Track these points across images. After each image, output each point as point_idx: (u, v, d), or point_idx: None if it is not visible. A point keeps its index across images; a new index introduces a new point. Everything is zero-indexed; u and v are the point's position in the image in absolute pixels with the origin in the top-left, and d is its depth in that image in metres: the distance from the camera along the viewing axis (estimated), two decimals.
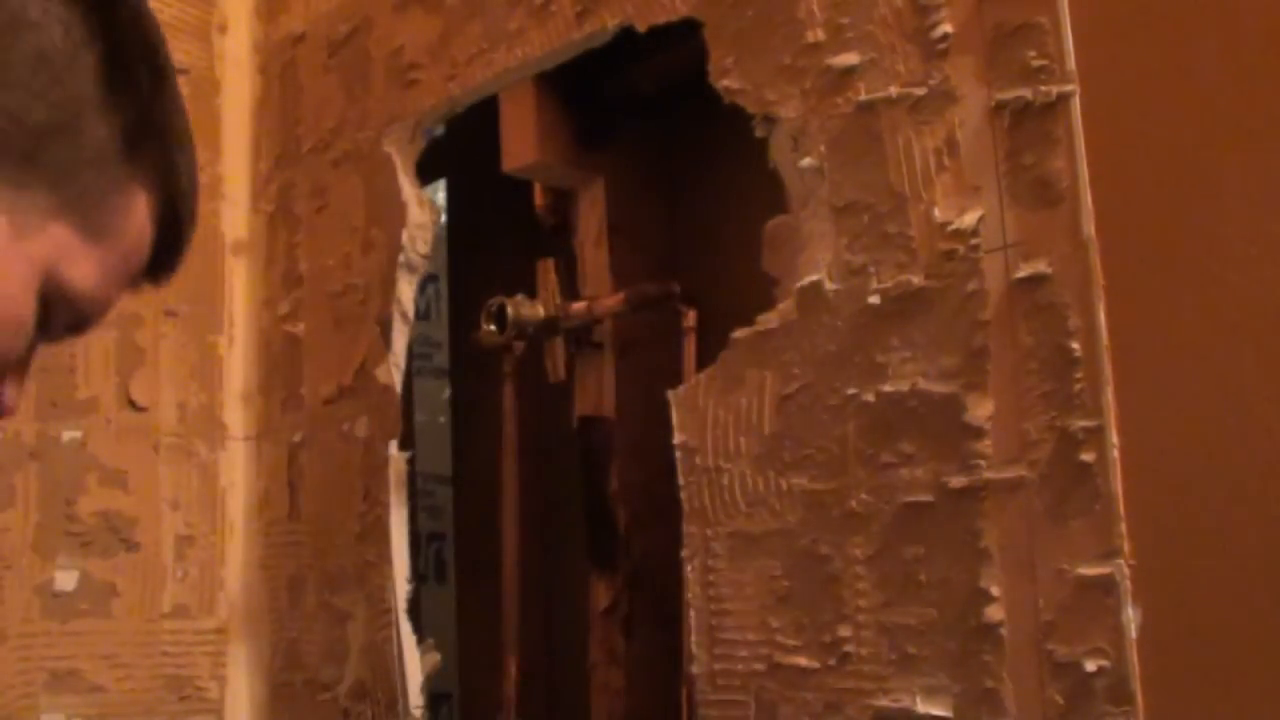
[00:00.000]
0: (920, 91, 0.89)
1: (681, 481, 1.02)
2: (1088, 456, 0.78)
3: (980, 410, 0.84)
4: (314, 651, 1.38)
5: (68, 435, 1.39)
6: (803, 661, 0.92)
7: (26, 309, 0.57)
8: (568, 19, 1.17)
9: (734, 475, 0.98)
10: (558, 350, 1.38)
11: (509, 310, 1.35)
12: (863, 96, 0.93)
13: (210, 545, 1.47)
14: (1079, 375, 0.79)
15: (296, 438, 1.45)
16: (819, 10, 0.96)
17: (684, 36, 1.06)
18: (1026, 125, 0.83)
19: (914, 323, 0.88)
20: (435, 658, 1.29)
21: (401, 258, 1.32)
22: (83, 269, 0.59)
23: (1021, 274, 0.83)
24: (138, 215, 0.63)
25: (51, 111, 0.57)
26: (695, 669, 1.00)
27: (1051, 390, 0.80)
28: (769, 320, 0.97)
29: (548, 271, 1.37)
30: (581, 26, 1.15)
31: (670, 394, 1.04)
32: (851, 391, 0.91)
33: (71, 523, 1.37)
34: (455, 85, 1.29)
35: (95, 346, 1.42)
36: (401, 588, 1.28)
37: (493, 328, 1.37)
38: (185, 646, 1.43)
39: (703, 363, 1.15)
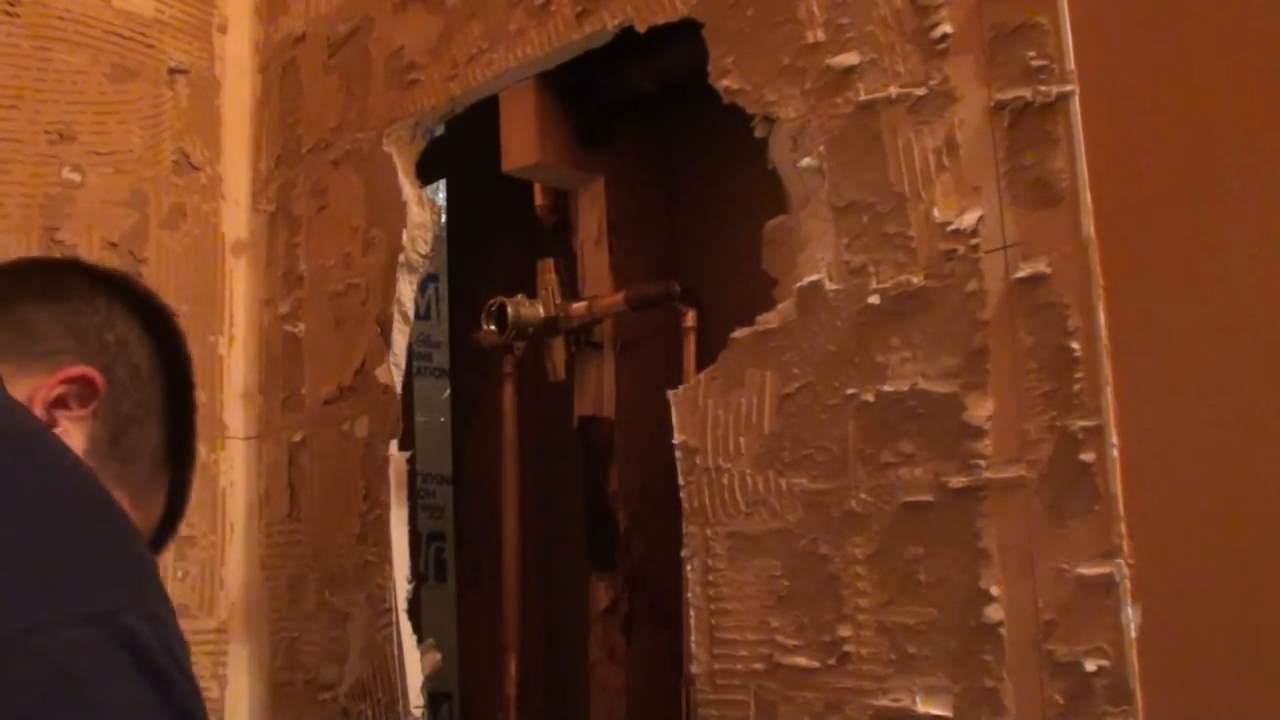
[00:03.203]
0: (920, 91, 0.89)
1: (681, 481, 1.02)
2: (1088, 456, 0.78)
3: (980, 410, 0.84)
4: (314, 651, 1.38)
5: None
6: (803, 661, 0.92)
7: None
8: (568, 19, 1.17)
9: (734, 475, 0.99)
10: (558, 350, 1.38)
11: (509, 310, 1.35)
12: (863, 96, 0.93)
13: (210, 545, 1.47)
14: (1079, 375, 0.79)
15: (296, 438, 1.45)
16: (819, 10, 0.96)
17: (684, 36, 1.06)
18: (1026, 125, 0.83)
19: (914, 323, 0.88)
20: (435, 658, 1.29)
21: (402, 258, 1.32)
22: None
23: (1021, 274, 0.83)
24: (159, 505, 0.85)
25: (135, 409, 0.80)
26: (695, 669, 1.00)
27: (1051, 390, 0.80)
28: (769, 320, 0.97)
29: (548, 271, 1.37)
30: (581, 26, 1.15)
31: (670, 394, 1.04)
32: (851, 391, 0.91)
33: None
34: (455, 85, 1.29)
35: None
36: (401, 588, 1.28)
37: (493, 328, 1.37)
38: None
39: (703, 363, 1.15)
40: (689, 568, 1.01)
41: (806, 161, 0.96)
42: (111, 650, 0.53)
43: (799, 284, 0.95)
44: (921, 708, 0.85)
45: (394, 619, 1.27)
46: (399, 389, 1.31)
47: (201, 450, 1.48)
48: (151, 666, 0.54)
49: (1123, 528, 0.77)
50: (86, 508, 0.61)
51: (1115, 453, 0.77)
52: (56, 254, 1.40)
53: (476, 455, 1.69)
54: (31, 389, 0.75)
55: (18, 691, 0.49)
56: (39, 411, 0.75)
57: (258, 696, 1.46)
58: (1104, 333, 0.79)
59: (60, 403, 0.76)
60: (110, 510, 0.63)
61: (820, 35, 0.96)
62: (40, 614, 0.51)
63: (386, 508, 1.29)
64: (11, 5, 1.41)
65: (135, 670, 0.53)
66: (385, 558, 1.28)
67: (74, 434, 0.76)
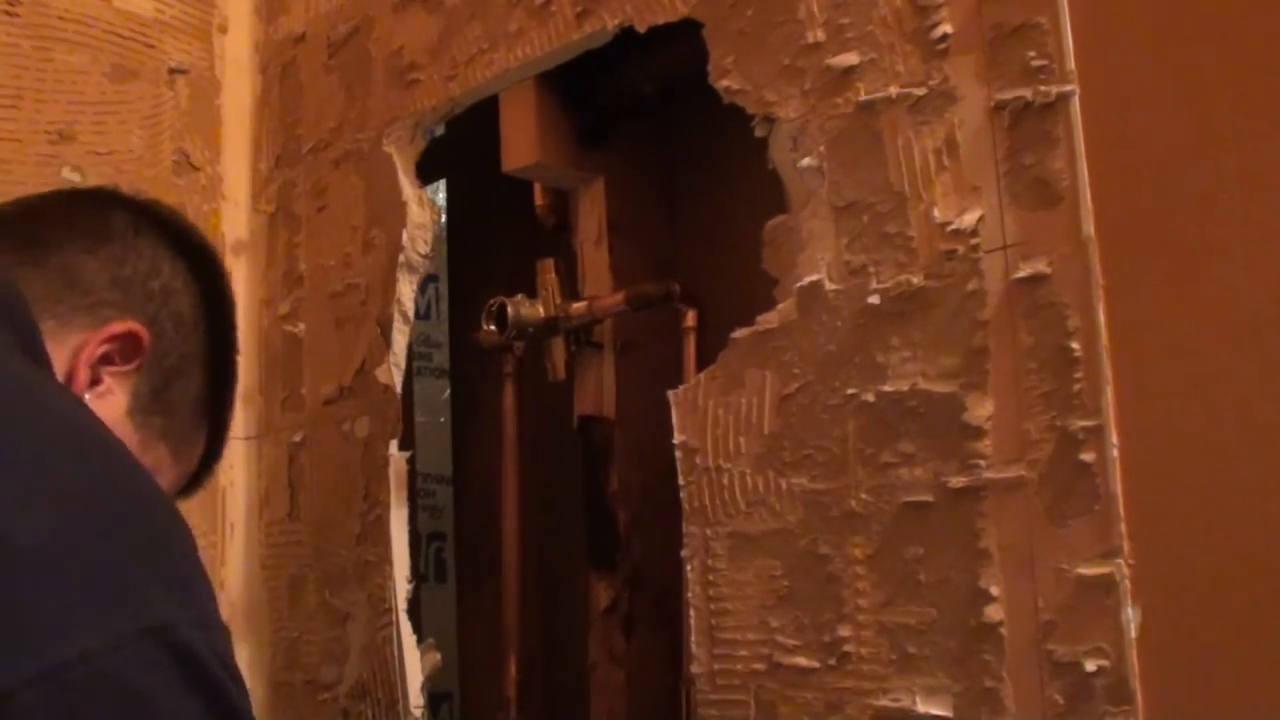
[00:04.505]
0: (920, 91, 0.89)
1: (681, 481, 1.02)
2: (1088, 456, 0.78)
3: (980, 410, 0.84)
4: (314, 651, 1.38)
5: None
6: (803, 661, 0.92)
7: None
8: (568, 19, 1.17)
9: (734, 475, 0.99)
10: (558, 350, 1.38)
11: (509, 310, 1.35)
12: (863, 96, 0.93)
13: (210, 545, 1.47)
14: (1079, 375, 0.79)
15: (296, 438, 1.45)
16: (819, 10, 0.96)
17: (684, 36, 1.06)
18: (1026, 125, 0.83)
19: (914, 323, 0.88)
20: (435, 658, 1.29)
21: (401, 258, 1.32)
22: (165, 481, 0.76)
23: (1021, 274, 0.83)
24: (198, 453, 0.83)
25: (180, 360, 0.78)
26: (695, 669, 1.00)
27: (1051, 390, 0.81)
28: (769, 320, 0.97)
29: (548, 271, 1.37)
30: (581, 27, 1.15)
31: (670, 394, 1.04)
32: (851, 391, 0.91)
33: None
34: (455, 85, 1.29)
35: None
36: (401, 588, 1.28)
37: (493, 328, 1.37)
38: None
39: (703, 363, 1.15)
40: (689, 568, 1.01)
41: (806, 161, 0.96)
42: (170, 664, 0.53)
43: (799, 284, 0.95)
44: (921, 708, 0.85)
45: (394, 619, 1.27)
46: (399, 389, 1.31)
47: None
48: (204, 677, 0.55)
49: (1123, 528, 0.77)
50: (135, 506, 0.59)
51: (1115, 453, 0.77)
52: None
53: (476, 455, 1.69)
54: (75, 346, 0.72)
55: (92, 717, 0.50)
56: (83, 371, 0.72)
57: (258, 697, 1.46)
58: (1104, 333, 0.79)
59: (105, 359, 0.73)
60: (158, 503, 0.61)
61: (820, 35, 0.96)
62: (103, 633, 0.51)
63: (386, 508, 1.29)
64: (11, 5, 1.41)
65: (190, 684, 0.54)
66: (385, 558, 1.28)
67: (118, 390, 0.74)
